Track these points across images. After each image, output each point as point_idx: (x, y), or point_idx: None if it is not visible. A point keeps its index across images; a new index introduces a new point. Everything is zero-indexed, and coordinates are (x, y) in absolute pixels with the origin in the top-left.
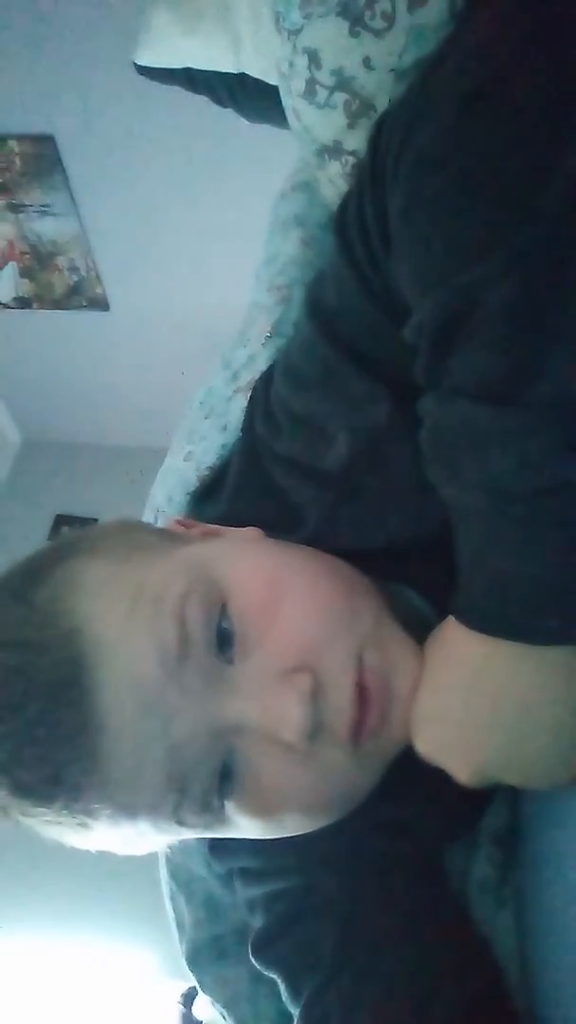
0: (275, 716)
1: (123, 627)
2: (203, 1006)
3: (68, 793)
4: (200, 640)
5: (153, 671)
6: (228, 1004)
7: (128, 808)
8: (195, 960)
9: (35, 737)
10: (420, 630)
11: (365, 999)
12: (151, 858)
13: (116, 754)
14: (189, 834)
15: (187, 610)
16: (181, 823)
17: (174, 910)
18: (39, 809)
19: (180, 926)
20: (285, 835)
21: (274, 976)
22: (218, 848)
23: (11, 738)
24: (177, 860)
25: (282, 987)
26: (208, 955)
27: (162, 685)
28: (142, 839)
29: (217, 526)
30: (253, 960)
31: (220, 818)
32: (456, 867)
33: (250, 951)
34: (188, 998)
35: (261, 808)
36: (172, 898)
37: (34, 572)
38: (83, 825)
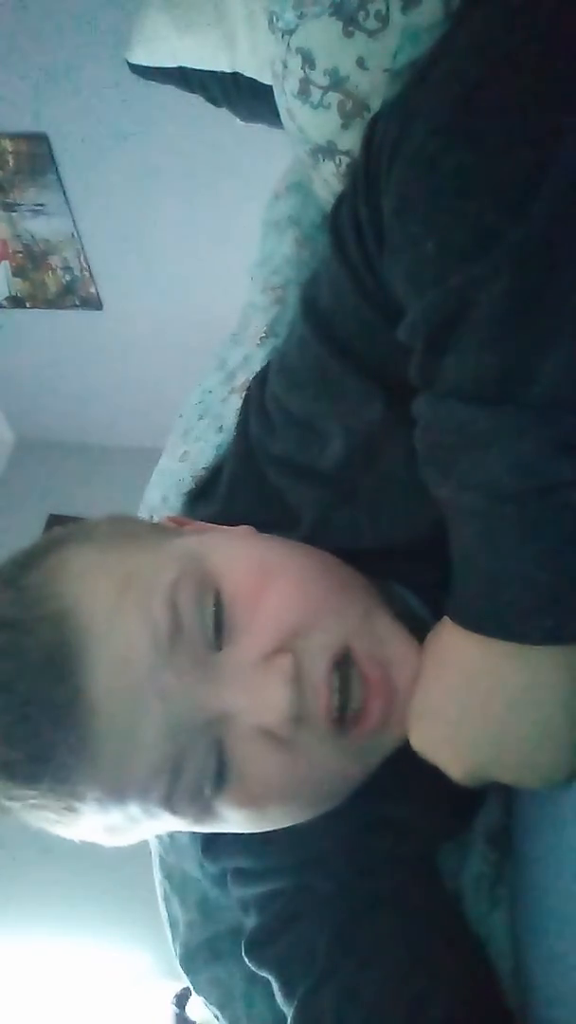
0: (259, 701)
1: (112, 610)
2: (197, 1007)
3: (55, 773)
4: (192, 626)
5: (145, 653)
6: (222, 1005)
7: (117, 790)
8: (189, 961)
9: (23, 715)
10: (417, 630)
11: (359, 999)
12: (145, 858)
13: (105, 733)
14: (179, 823)
15: (179, 596)
16: (173, 810)
17: (168, 911)
18: (24, 791)
19: (174, 927)
20: (272, 828)
21: (268, 976)
22: (211, 848)
23: None
24: (171, 861)
25: (275, 987)
26: (202, 956)
27: (156, 667)
28: (131, 826)
29: (210, 524)
30: (246, 960)
31: (208, 809)
32: (450, 866)
33: (243, 951)
34: (181, 999)
35: (248, 799)
36: (166, 899)
37: (25, 559)
38: (69, 808)
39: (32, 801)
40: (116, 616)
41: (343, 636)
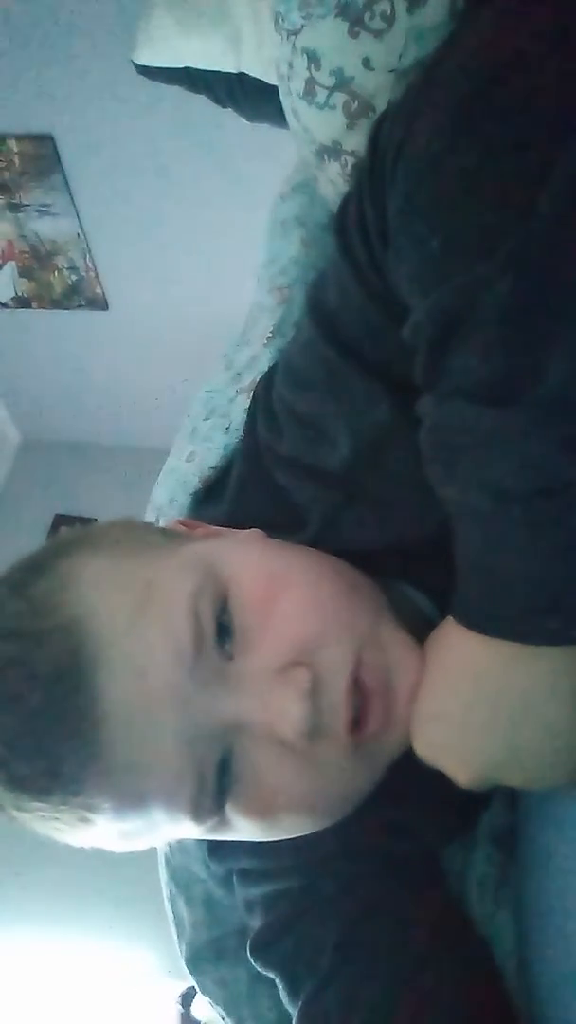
0: (274, 713)
1: (131, 622)
2: (202, 1006)
3: (66, 786)
4: (211, 636)
5: (166, 665)
6: (227, 1005)
7: (137, 800)
8: (194, 961)
9: (34, 729)
10: (424, 629)
11: (363, 999)
12: (150, 858)
13: (119, 744)
14: (198, 831)
15: (199, 607)
16: (198, 818)
17: (173, 911)
18: (36, 803)
19: (179, 927)
20: (283, 837)
21: (273, 976)
22: (217, 849)
23: (9, 730)
24: (177, 862)
25: (281, 987)
26: (207, 956)
27: (179, 679)
28: (149, 832)
29: (219, 527)
30: (251, 960)
31: (223, 818)
32: (455, 867)
33: (248, 951)
34: (187, 998)
35: (259, 809)
36: (172, 899)
37: (34, 567)
38: (83, 820)
39: (43, 813)
40: (136, 628)
41: (356, 648)
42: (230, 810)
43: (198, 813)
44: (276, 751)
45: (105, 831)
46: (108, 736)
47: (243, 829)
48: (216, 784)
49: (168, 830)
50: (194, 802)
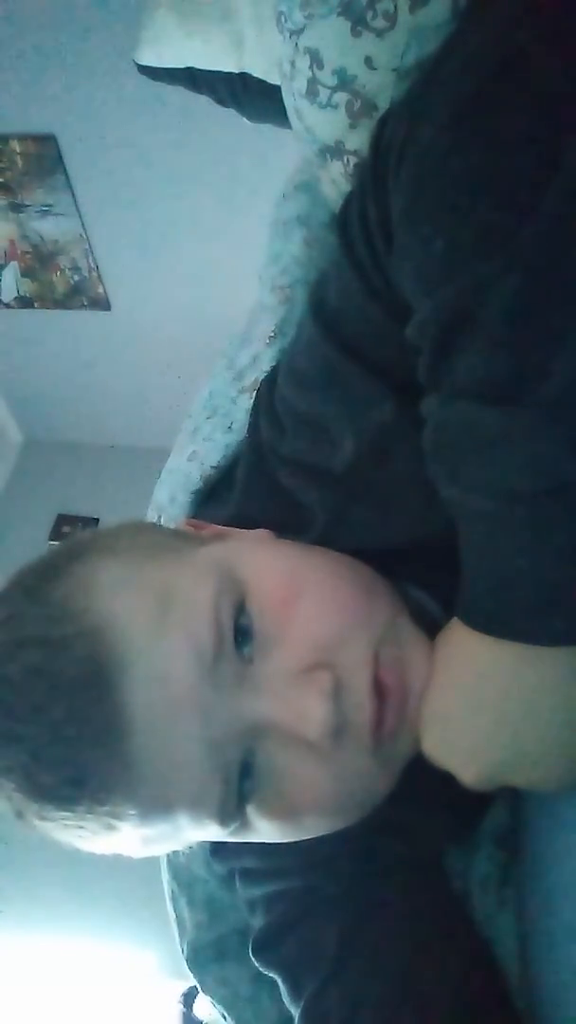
0: (298, 714)
1: (154, 628)
2: (203, 1006)
3: (93, 795)
4: (231, 640)
5: (188, 669)
6: (229, 1004)
7: (163, 806)
8: (196, 961)
9: (60, 738)
10: (430, 630)
11: (365, 999)
12: (152, 858)
13: (146, 752)
14: (222, 833)
15: (220, 611)
16: (223, 821)
17: (175, 911)
18: (61, 812)
19: (181, 927)
20: (303, 838)
21: (274, 976)
22: (220, 849)
23: (33, 740)
24: (179, 861)
25: (282, 987)
26: (209, 956)
27: (199, 684)
28: (175, 836)
29: (228, 528)
30: (253, 960)
31: (246, 819)
32: (457, 867)
33: (250, 951)
34: (188, 998)
35: (282, 810)
36: (173, 899)
37: (47, 572)
38: (109, 827)
39: (67, 822)
40: (159, 634)
41: (375, 646)
42: (252, 812)
43: (224, 816)
44: (299, 752)
45: (129, 837)
46: (134, 744)
47: (264, 831)
48: (239, 787)
49: (192, 834)
50: (220, 805)
